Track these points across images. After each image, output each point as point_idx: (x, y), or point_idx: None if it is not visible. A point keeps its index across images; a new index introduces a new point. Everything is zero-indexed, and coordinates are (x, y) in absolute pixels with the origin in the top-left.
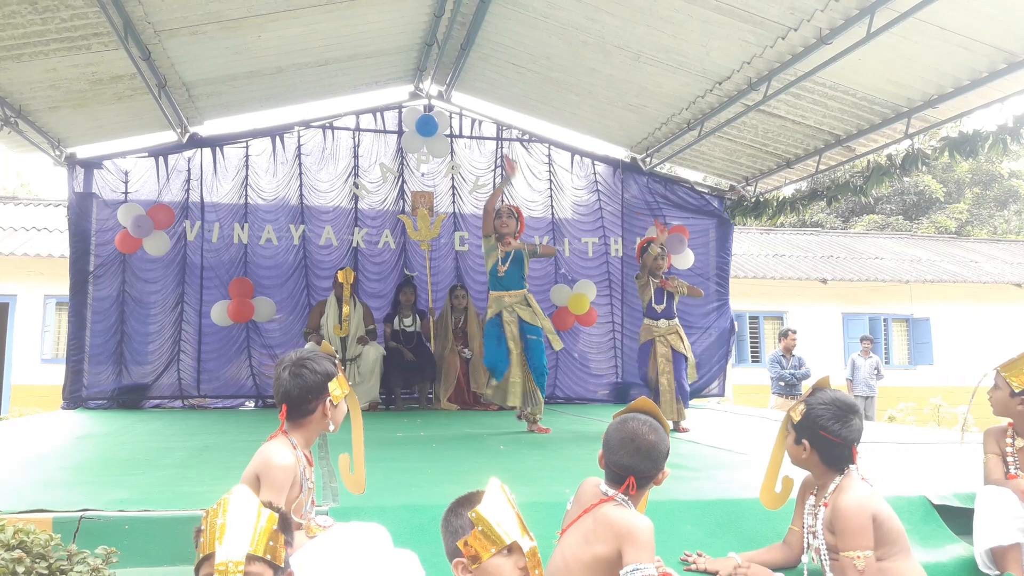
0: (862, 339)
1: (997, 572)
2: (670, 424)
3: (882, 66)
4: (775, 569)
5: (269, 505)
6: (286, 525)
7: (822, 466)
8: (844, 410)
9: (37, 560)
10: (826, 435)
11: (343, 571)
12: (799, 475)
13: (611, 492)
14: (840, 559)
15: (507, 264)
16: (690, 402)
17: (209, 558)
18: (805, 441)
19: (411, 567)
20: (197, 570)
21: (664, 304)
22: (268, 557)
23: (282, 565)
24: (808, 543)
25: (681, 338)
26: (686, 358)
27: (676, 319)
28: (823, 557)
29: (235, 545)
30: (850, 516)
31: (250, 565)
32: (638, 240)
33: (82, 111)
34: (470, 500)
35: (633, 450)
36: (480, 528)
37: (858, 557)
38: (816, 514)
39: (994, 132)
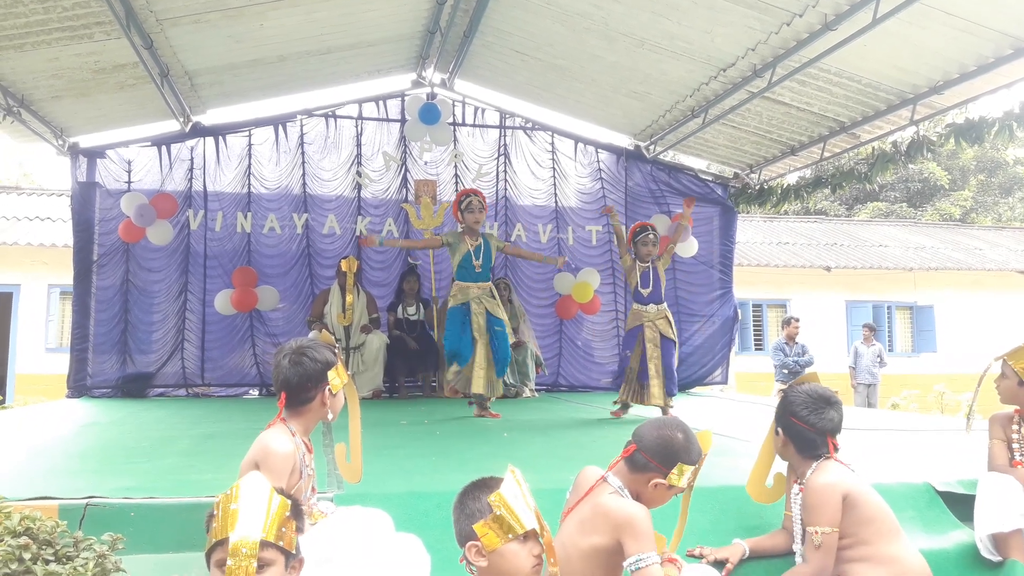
0: (864, 327)
1: (999, 557)
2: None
3: (887, 52)
4: (779, 554)
5: (281, 492)
6: (298, 512)
7: (798, 456)
8: (817, 400)
9: (43, 546)
10: (797, 422)
11: (346, 555)
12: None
13: (610, 476)
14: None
15: (480, 258)
16: (693, 389)
17: (222, 544)
18: (780, 429)
19: (415, 550)
20: (209, 556)
21: (651, 288)
22: (280, 543)
23: (293, 551)
24: (793, 531)
25: (670, 323)
26: (675, 343)
27: (664, 304)
28: (799, 541)
29: (248, 531)
30: (815, 492)
31: (262, 551)
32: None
33: (85, 100)
34: (487, 484)
35: (657, 426)
36: (499, 512)
37: (816, 532)
38: (798, 501)
39: (1000, 118)
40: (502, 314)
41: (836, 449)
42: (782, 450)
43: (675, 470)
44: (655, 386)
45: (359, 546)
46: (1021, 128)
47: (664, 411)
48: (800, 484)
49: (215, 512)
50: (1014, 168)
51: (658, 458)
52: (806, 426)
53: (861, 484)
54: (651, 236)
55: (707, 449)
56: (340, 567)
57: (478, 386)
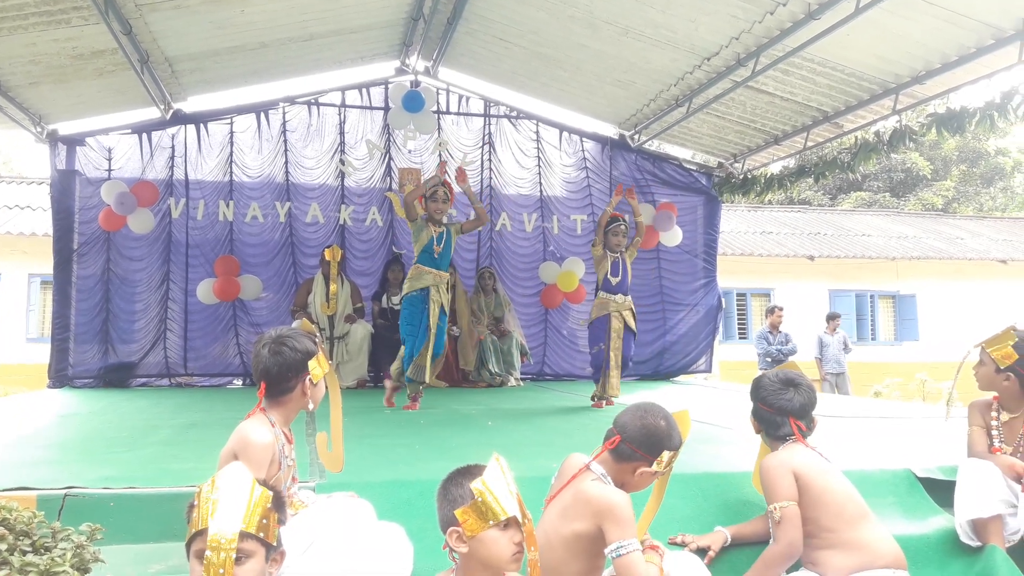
0: (828, 317)
1: (978, 543)
2: (612, 399)
3: (870, 42)
4: (761, 541)
5: (263, 483)
6: (279, 503)
7: (768, 438)
8: (777, 382)
9: (20, 537)
10: (760, 405)
11: (327, 544)
12: None
13: (593, 464)
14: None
15: (442, 245)
16: (678, 378)
17: (201, 534)
18: (752, 415)
19: (397, 539)
20: (189, 545)
21: (620, 277)
22: (260, 535)
23: (274, 543)
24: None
25: (633, 314)
26: (635, 334)
27: (629, 296)
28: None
29: (228, 521)
30: (764, 472)
31: (242, 542)
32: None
33: (63, 87)
34: (471, 471)
35: (639, 415)
36: (481, 499)
37: (775, 508)
38: None
39: (981, 108)
40: (446, 308)
41: (802, 431)
42: (760, 435)
43: (660, 457)
44: (614, 377)
45: (341, 535)
46: (1002, 118)
47: (610, 400)
48: None
49: (195, 502)
50: (995, 158)
51: (644, 447)
52: (766, 407)
53: (818, 466)
54: (622, 227)
55: (687, 430)
56: (322, 556)
57: (430, 376)
